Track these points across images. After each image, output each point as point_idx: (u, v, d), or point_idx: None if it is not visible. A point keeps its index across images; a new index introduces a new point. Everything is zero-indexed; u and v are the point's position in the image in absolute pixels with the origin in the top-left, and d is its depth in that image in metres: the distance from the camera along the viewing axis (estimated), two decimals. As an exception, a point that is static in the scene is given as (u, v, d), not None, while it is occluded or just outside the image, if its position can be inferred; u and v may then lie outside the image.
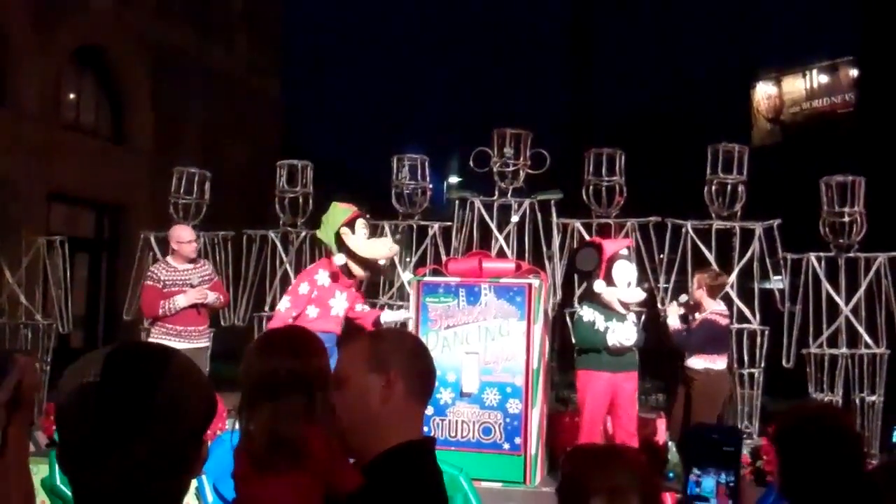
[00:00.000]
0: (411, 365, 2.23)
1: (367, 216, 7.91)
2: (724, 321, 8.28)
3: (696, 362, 8.04)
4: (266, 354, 3.04)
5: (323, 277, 7.70)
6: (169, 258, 8.50)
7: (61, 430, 1.60)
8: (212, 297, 8.40)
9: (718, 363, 8.15)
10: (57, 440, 1.62)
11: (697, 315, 8.19)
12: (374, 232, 10.05)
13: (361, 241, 7.73)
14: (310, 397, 2.90)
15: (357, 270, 7.77)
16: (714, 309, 8.14)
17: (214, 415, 1.70)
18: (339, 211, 7.87)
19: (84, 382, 1.56)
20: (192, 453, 1.64)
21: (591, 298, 8.09)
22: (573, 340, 8.40)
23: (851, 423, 2.76)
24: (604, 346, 7.83)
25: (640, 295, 8.24)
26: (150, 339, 8.15)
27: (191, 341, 8.21)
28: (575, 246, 9.27)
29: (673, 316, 8.20)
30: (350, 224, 7.69)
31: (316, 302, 7.67)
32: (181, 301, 8.15)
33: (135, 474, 1.55)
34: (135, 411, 1.54)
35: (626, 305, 8.03)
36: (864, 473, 2.79)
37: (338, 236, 7.70)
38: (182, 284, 8.21)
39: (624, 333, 7.80)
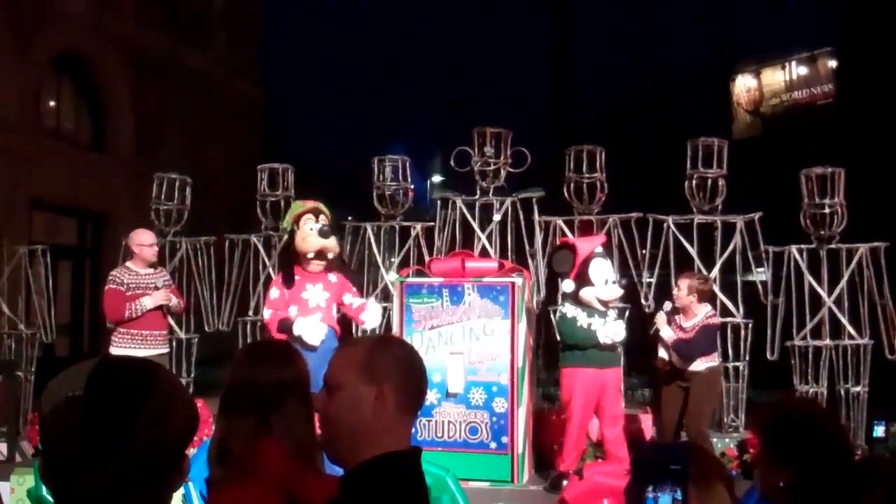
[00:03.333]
0: (405, 378, 2.20)
1: (321, 212, 7.81)
2: (717, 321, 8.28)
3: (697, 365, 7.91)
4: (232, 368, 3.08)
5: (286, 276, 7.82)
6: (129, 263, 8.30)
7: (44, 443, 1.60)
8: (174, 301, 8.35)
9: (716, 359, 8.16)
10: (37, 478, 1.62)
11: (684, 321, 8.05)
12: (357, 233, 10.08)
13: (301, 236, 7.74)
14: (263, 411, 2.92)
15: (307, 264, 7.78)
16: (706, 313, 8.04)
17: (196, 430, 1.71)
18: (293, 207, 8.05)
19: (68, 396, 1.56)
20: (173, 467, 1.64)
21: (572, 298, 8.09)
22: (558, 338, 8.40)
23: (836, 416, 2.81)
24: (593, 344, 7.83)
25: (618, 292, 8.24)
26: (114, 348, 8.04)
27: (155, 347, 8.10)
28: (557, 244, 9.28)
29: (665, 327, 8.02)
30: (298, 220, 7.76)
31: (291, 300, 7.71)
32: (147, 303, 8.00)
33: (117, 488, 1.55)
34: (118, 426, 1.54)
35: (604, 303, 8.04)
36: (853, 463, 2.81)
37: (291, 232, 7.82)
38: (145, 288, 8.05)
39: (613, 329, 7.81)
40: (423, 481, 2.18)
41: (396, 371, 2.20)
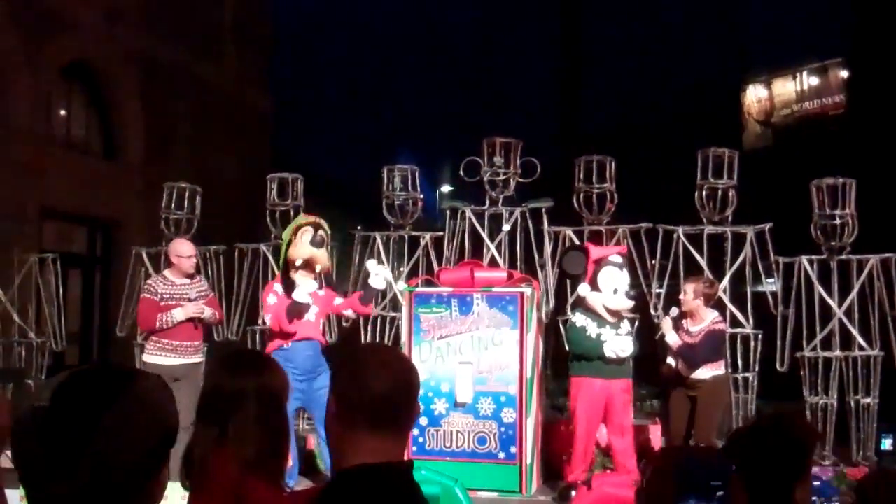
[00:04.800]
0: (347, 392, 2.14)
1: (320, 226, 8.00)
2: (724, 327, 8.24)
3: (702, 373, 7.85)
4: (208, 374, 3.12)
5: (279, 287, 7.99)
6: (166, 272, 8.37)
7: (13, 452, 1.60)
8: (208, 313, 8.29)
9: (721, 368, 8.11)
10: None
11: (691, 325, 8.03)
12: (366, 243, 10.11)
13: (295, 244, 7.92)
14: (223, 420, 2.92)
15: (295, 273, 7.94)
16: (713, 318, 8.01)
17: (172, 444, 1.68)
18: (296, 220, 8.31)
19: (34, 406, 1.57)
20: (144, 480, 1.62)
21: (581, 305, 8.08)
22: (567, 347, 8.39)
23: (809, 431, 2.75)
24: (598, 356, 7.82)
25: (626, 303, 8.10)
26: (146, 355, 8.12)
27: (186, 357, 8.13)
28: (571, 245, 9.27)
29: (671, 332, 7.98)
30: (297, 231, 7.96)
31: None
32: (178, 315, 8.02)
33: (84, 498, 1.54)
34: (78, 435, 1.53)
35: (614, 313, 8.01)
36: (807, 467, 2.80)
37: (288, 243, 8.00)
38: (179, 299, 8.08)
39: (620, 345, 7.78)
40: (403, 497, 2.13)
41: (341, 383, 2.18)
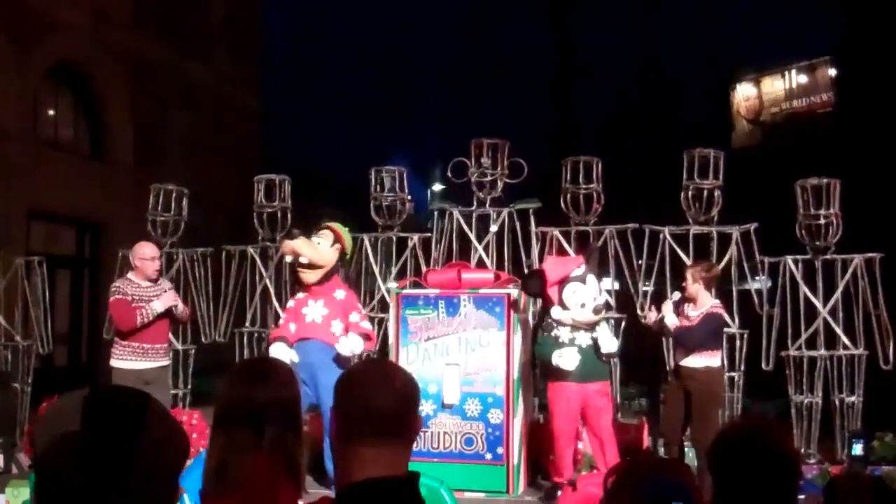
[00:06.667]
0: (341, 406, 2.19)
1: (320, 229, 8.50)
2: (722, 312, 8.26)
3: (696, 360, 7.89)
4: (226, 384, 3.11)
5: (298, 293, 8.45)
6: (130, 275, 8.27)
7: (40, 479, 1.56)
8: (181, 305, 8.42)
9: (717, 359, 8.11)
10: (32, 490, 1.59)
11: (691, 311, 8.05)
12: (354, 244, 10.12)
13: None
14: (259, 428, 2.96)
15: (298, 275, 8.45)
16: (713, 302, 8.10)
17: (187, 457, 1.70)
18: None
19: (64, 433, 1.52)
20: (169, 496, 1.63)
21: (556, 323, 8.05)
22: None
23: (787, 441, 2.73)
24: (548, 359, 7.88)
25: (590, 316, 7.97)
26: (114, 360, 8.08)
27: (156, 360, 8.12)
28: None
29: (670, 315, 8.05)
30: None
31: (292, 317, 8.38)
32: (158, 306, 7.99)
33: None
34: (118, 461, 1.51)
35: (588, 323, 8.00)
36: (794, 495, 2.74)
37: None
38: (148, 301, 8.03)
39: (567, 359, 7.77)
40: None
41: (340, 399, 2.20)
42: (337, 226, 8.55)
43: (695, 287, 8.03)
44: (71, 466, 1.50)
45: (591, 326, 7.98)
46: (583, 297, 7.97)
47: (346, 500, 2.10)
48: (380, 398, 2.14)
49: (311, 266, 8.25)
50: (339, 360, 8.03)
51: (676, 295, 8.24)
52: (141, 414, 1.57)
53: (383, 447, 2.11)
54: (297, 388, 3.22)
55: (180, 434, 1.68)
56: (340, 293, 8.32)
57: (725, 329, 9.08)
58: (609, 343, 7.95)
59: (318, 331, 8.18)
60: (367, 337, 8.27)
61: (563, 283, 7.99)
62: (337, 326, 8.22)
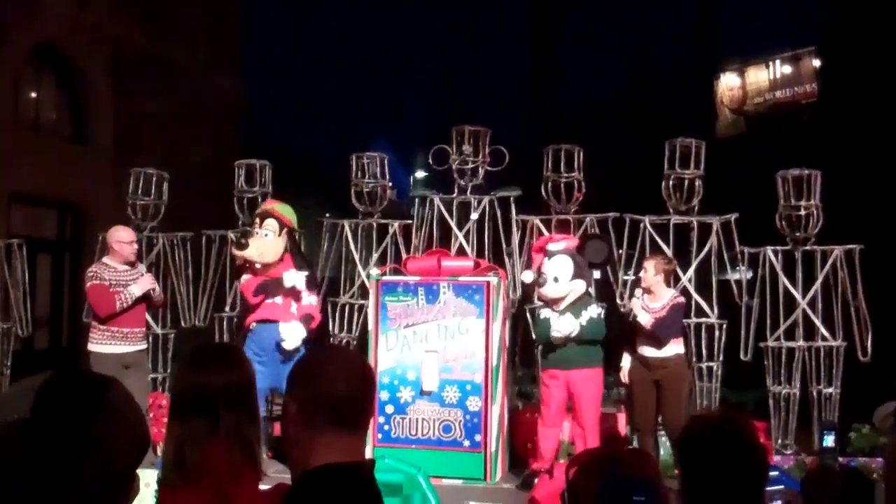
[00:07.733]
0: (307, 393, 2.17)
1: (267, 216, 8.63)
2: (683, 301, 8.37)
3: (668, 350, 7.97)
4: (182, 370, 3.11)
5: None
6: (106, 259, 8.26)
7: None
8: (158, 289, 8.51)
9: (682, 345, 8.23)
10: None
11: (650, 302, 8.08)
12: (335, 230, 10.11)
13: None
14: (214, 415, 2.95)
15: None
16: (672, 294, 8.17)
17: (146, 450, 1.67)
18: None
19: (12, 420, 1.50)
20: (122, 489, 1.60)
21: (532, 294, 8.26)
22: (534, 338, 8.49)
23: (753, 433, 2.72)
24: (547, 339, 8.03)
25: (558, 291, 8.12)
26: (92, 344, 8.08)
27: (134, 344, 8.15)
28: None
29: (642, 313, 8.04)
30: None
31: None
32: (135, 290, 8.01)
33: None
34: (64, 455, 1.49)
35: (556, 300, 8.12)
36: (761, 488, 2.72)
37: None
38: (125, 285, 8.03)
39: (565, 324, 7.93)
40: (366, 496, 2.16)
41: (299, 385, 2.19)
42: (278, 208, 8.69)
43: (656, 279, 8.07)
44: (16, 455, 1.48)
45: (566, 308, 8.04)
46: (556, 271, 8.11)
47: (304, 485, 2.10)
48: (338, 386, 2.14)
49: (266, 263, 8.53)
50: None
51: (639, 291, 8.23)
52: (94, 403, 1.55)
53: (341, 434, 2.12)
54: (251, 372, 3.20)
55: (139, 424, 1.65)
56: (290, 274, 8.50)
57: (704, 319, 9.15)
58: (562, 324, 7.95)
59: (278, 312, 8.42)
60: (309, 318, 8.45)
61: (546, 254, 8.17)
62: (295, 306, 8.49)
